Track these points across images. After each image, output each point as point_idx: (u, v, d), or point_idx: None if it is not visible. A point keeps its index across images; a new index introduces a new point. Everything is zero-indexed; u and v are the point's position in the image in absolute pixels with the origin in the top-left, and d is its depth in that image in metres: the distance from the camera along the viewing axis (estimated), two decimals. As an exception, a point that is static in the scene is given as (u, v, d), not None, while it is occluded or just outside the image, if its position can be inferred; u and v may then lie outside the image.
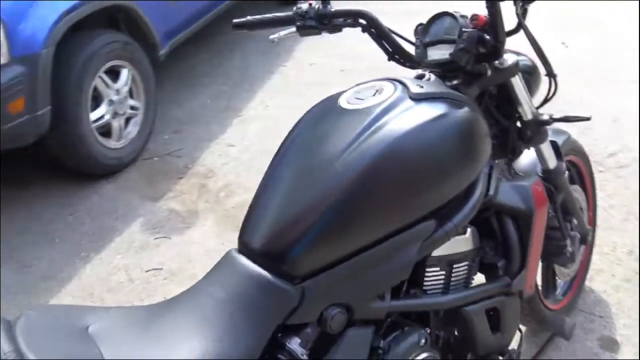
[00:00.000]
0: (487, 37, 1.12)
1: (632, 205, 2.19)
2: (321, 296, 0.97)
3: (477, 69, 1.17)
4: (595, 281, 1.88)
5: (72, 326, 0.92)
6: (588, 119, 1.29)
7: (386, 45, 1.24)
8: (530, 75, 1.31)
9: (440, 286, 1.13)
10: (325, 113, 1.11)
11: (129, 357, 0.88)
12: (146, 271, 2.11)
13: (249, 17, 1.31)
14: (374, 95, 1.07)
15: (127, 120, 2.76)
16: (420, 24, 1.22)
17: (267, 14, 1.31)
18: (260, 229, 1.01)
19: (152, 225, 2.36)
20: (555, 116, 1.27)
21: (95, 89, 2.55)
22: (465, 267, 1.16)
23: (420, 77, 1.15)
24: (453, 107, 1.05)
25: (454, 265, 1.13)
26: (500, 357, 1.23)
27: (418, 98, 1.04)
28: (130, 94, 2.76)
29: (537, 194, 1.21)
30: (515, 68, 1.19)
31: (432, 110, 1.03)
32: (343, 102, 1.09)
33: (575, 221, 1.51)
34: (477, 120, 1.08)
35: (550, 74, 1.25)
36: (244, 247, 1.02)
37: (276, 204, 1.02)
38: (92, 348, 0.87)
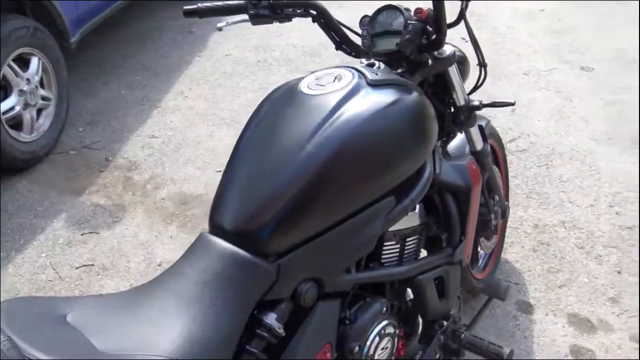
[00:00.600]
0: (430, 29, 1.22)
1: (533, 185, 2.45)
2: (295, 272, 1.01)
3: (419, 59, 1.27)
4: (508, 252, 2.10)
5: (50, 315, 0.90)
6: (512, 104, 1.44)
7: (334, 35, 1.30)
8: (462, 65, 1.44)
9: (396, 258, 1.23)
10: (288, 98, 1.15)
11: (115, 341, 0.87)
12: (76, 268, 2.04)
13: (199, 5, 1.30)
14: (334, 81, 1.12)
15: (39, 111, 2.61)
16: (366, 16, 1.29)
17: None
18: (232, 210, 1.03)
19: (76, 221, 2.27)
20: (485, 102, 1.41)
21: (4, 78, 2.38)
22: (416, 240, 1.27)
23: (371, 65, 1.22)
24: (406, 93, 1.14)
25: (407, 239, 1.24)
26: (445, 322, 1.35)
27: (375, 84, 1.12)
28: (41, 84, 2.61)
29: (473, 172, 1.35)
30: (452, 58, 1.31)
31: (389, 96, 1.11)
32: (304, 88, 1.14)
33: (497, 197, 1.69)
34: (428, 104, 1.19)
35: (483, 64, 1.38)
36: (217, 229, 1.03)
37: (247, 186, 1.04)
38: (79, 335, 0.86)
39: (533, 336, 1.78)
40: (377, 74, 1.15)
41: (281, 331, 0.99)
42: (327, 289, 1.07)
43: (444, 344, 1.35)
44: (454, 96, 1.37)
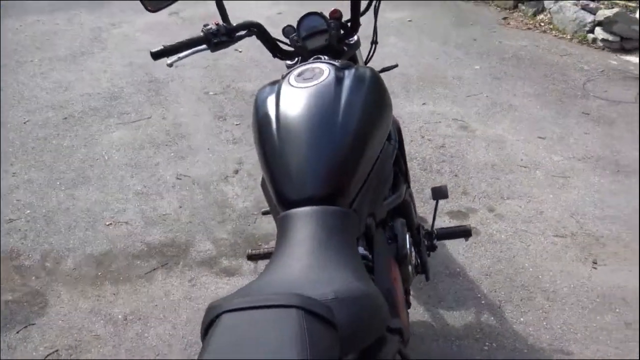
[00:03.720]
0: (347, 23, 1.64)
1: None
2: (363, 212, 1.30)
3: (339, 47, 1.64)
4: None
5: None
6: (396, 66, 1.95)
7: (271, 46, 1.61)
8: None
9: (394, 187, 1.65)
10: (288, 92, 1.33)
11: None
12: (44, 360, 1.90)
13: (164, 45, 1.45)
14: (318, 73, 1.38)
15: None
16: (288, 26, 1.62)
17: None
18: (308, 182, 1.21)
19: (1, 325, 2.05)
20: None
21: None
22: (396, 174, 1.71)
23: (318, 58, 1.53)
24: (359, 67, 1.46)
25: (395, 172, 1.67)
26: (422, 226, 1.82)
27: (343, 68, 1.41)
28: None
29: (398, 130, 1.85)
30: (359, 42, 1.74)
31: (356, 72, 1.41)
32: (295, 84, 1.36)
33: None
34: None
35: (375, 42, 1.84)
36: (298, 202, 1.19)
37: (308, 162, 1.23)
38: None
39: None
40: (337, 62, 1.48)
41: (371, 257, 1.33)
42: (377, 219, 1.44)
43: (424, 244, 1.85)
44: None
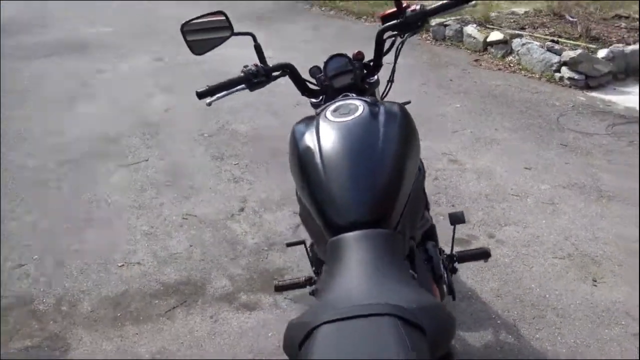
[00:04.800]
0: (369, 63, 1.77)
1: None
2: (406, 234, 1.40)
3: (362, 86, 1.76)
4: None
5: None
6: (409, 102, 2.09)
7: (301, 85, 1.72)
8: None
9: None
10: (327, 127, 1.41)
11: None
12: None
13: (208, 85, 1.56)
14: (354, 109, 1.48)
15: None
16: (314, 67, 1.73)
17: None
18: (356, 208, 1.29)
19: (20, 370, 2.03)
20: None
21: None
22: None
23: (347, 95, 1.63)
24: (392, 104, 1.59)
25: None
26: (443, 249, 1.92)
27: (374, 104, 1.52)
28: None
29: None
30: (378, 81, 1.88)
31: (391, 108, 1.52)
32: (333, 118, 1.44)
33: None
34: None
35: (392, 81, 1.96)
36: (346, 227, 1.26)
37: (355, 189, 1.32)
38: None
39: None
40: (368, 99, 1.58)
41: (417, 277, 1.43)
42: (416, 241, 1.55)
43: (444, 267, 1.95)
44: None
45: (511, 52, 5.07)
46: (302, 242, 1.95)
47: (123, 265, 2.60)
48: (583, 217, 2.80)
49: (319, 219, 1.35)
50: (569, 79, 4.48)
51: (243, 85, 1.61)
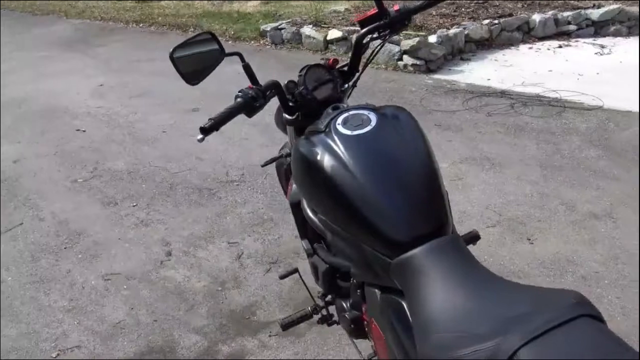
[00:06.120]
0: (345, 70, 1.69)
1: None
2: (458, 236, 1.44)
3: (339, 94, 1.66)
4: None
5: None
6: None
7: (284, 102, 1.59)
8: None
9: None
10: (349, 142, 1.35)
11: None
12: None
13: (210, 119, 1.36)
14: (366, 120, 1.40)
15: None
16: (290, 81, 1.61)
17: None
18: (413, 223, 1.25)
19: None
20: None
21: None
22: None
23: (336, 107, 1.53)
24: (395, 108, 1.50)
25: None
26: None
27: (379, 110, 1.46)
28: None
29: None
30: (349, 87, 1.83)
31: (398, 112, 1.46)
32: (349, 132, 1.37)
33: None
34: None
35: (354, 85, 1.87)
36: (409, 245, 1.21)
37: (405, 203, 1.27)
38: None
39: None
40: (368, 106, 1.49)
41: None
42: None
43: None
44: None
45: (353, 47, 5.35)
46: (296, 271, 1.84)
47: (58, 354, 2.14)
48: (489, 185, 3.11)
49: (376, 242, 1.28)
50: (413, 65, 4.91)
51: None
